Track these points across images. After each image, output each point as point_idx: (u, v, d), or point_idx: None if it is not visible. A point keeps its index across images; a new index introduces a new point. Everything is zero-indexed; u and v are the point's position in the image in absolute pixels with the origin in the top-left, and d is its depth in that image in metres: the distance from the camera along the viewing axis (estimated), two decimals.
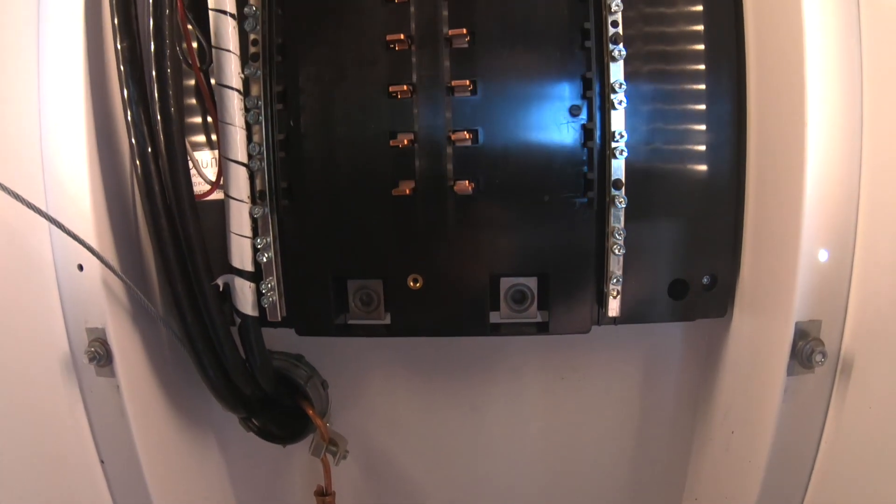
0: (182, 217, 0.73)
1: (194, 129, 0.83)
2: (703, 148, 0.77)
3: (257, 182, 0.76)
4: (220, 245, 0.78)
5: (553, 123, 0.73)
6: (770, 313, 0.75)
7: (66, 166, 0.75)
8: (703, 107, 0.77)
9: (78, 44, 0.74)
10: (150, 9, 0.70)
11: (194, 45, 0.80)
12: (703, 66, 0.77)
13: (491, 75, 0.73)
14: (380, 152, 0.72)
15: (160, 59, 0.70)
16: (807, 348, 0.72)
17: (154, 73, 0.70)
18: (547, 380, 0.91)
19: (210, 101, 0.78)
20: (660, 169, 0.77)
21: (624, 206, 0.74)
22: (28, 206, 0.66)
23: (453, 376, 0.92)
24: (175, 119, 0.71)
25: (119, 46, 0.72)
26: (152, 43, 0.69)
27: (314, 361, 0.89)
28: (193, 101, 0.84)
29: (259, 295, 0.78)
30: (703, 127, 0.77)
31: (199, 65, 0.80)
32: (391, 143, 0.71)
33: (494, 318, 0.79)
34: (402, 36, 0.71)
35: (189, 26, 0.80)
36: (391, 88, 0.71)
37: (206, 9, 0.75)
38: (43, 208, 0.76)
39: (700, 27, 0.78)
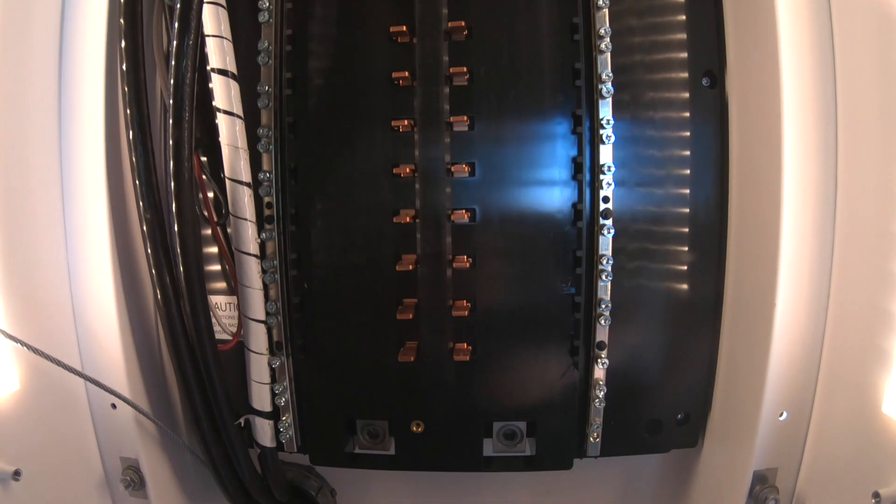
0: (206, 366, 0.80)
1: (215, 275, 0.89)
2: (682, 321, 0.86)
3: (274, 333, 0.84)
4: (241, 376, 0.86)
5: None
6: (733, 457, 0.84)
7: (97, 321, 0.82)
8: (685, 285, 0.85)
9: (103, 214, 0.80)
10: (173, 184, 0.74)
11: (210, 194, 0.86)
12: (686, 248, 0.84)
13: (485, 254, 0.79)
14: (386, 320, 0.80)
15: (184, 231, 0.75)
16: (762, 494, 0.82)
17: (178, 244, 0.75)
18: (534, 494, 1.01)
19: (228, 257, 0.84)
20: (642, 326, 0.84)
21: (606, 365, 0.82)
22: (66, 369, 0.73)
23: (450, 487, 1.02)
24: (197, 284, 0.77)
25: (144, 217, 0.77)
26: (175, 221, 0.75)
27: (324, 472, 0.98)
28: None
29: (277, 430, 0.86)
30: (685, 285, 0.85)
31: (216, 219, 0.85)
32: (398, 316, 0.78)
33: (487, 447, 0.88)
34: (408, 219, 0.77)
35: (207, 185, 0.85)
36: (398, 267, 0.78)
37: (221, 162, 0.81)
38: (77, 358, 0.84)
39: (686, 205, 0.84)
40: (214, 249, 0.87)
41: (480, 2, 0.80)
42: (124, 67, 0.75)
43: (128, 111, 0.74)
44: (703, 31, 0.84)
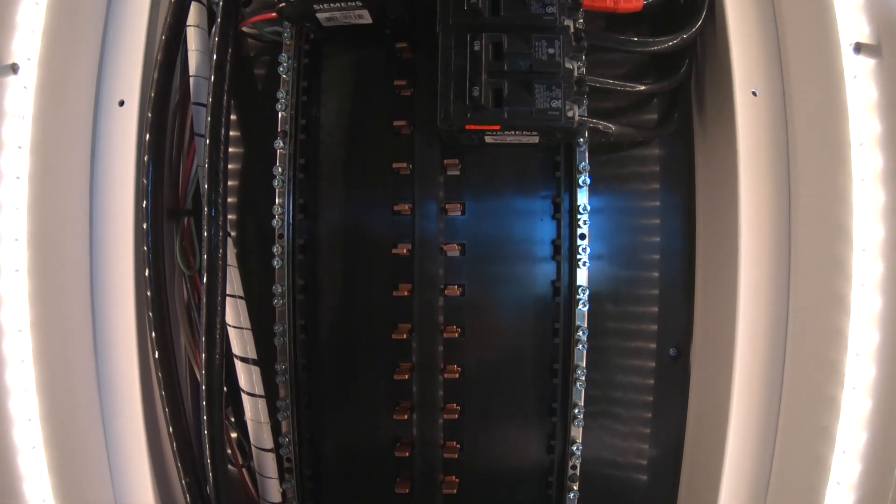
0: None
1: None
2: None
3: None
4: None
5: None
6: None
7: None
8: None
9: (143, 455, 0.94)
10: (209, 461, 0.88)
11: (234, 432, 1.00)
12: (646, 447, 1.03)
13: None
14: None
15: (219, 490, 0.90)
16: None
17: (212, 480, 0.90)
18: None
19: (254, 495, 1.00)
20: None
21: None
22: None
23: None
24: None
25: (183, 479, 0.91)
26: (209, 464, 0.88)
27: None
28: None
29: None
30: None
31: (241, 462, 1.00)
32: None
33: None
34: (406, 444, 0.93)
35: (230, 428, 0.99)
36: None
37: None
38: None
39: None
40: None
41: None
42: (156, 356, 0.87)
43: (164, 399, 0.87)
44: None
